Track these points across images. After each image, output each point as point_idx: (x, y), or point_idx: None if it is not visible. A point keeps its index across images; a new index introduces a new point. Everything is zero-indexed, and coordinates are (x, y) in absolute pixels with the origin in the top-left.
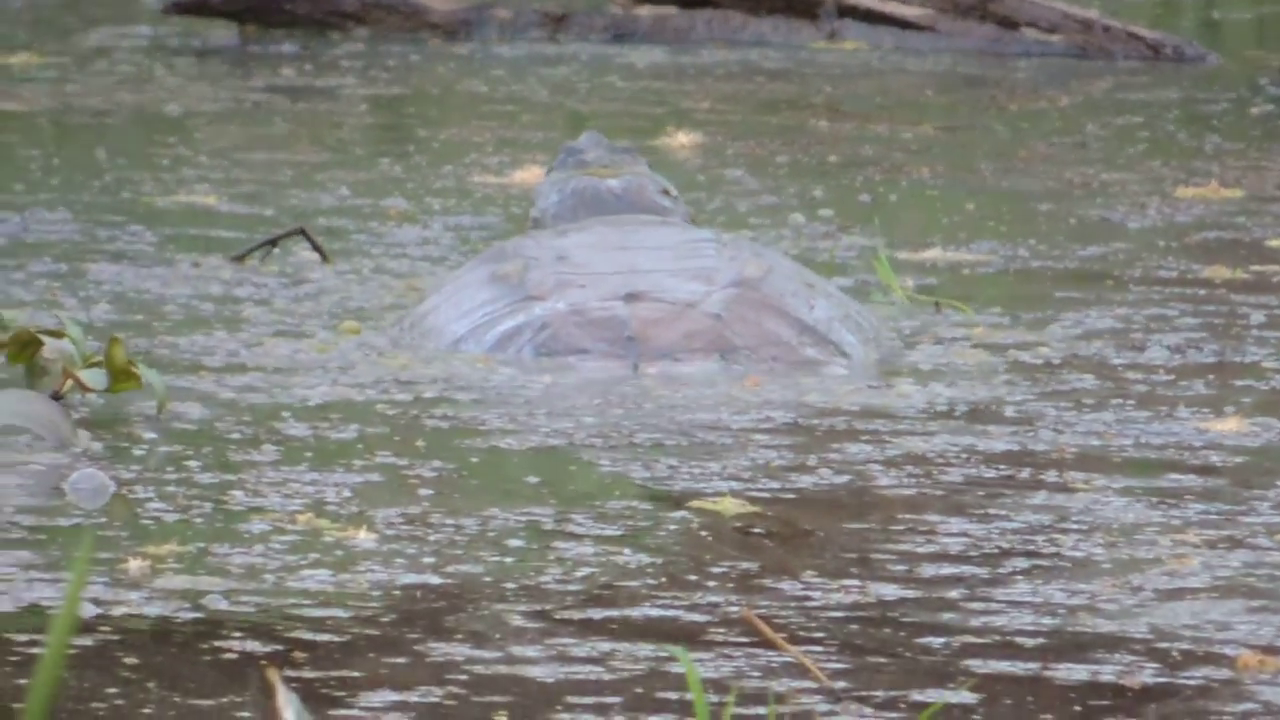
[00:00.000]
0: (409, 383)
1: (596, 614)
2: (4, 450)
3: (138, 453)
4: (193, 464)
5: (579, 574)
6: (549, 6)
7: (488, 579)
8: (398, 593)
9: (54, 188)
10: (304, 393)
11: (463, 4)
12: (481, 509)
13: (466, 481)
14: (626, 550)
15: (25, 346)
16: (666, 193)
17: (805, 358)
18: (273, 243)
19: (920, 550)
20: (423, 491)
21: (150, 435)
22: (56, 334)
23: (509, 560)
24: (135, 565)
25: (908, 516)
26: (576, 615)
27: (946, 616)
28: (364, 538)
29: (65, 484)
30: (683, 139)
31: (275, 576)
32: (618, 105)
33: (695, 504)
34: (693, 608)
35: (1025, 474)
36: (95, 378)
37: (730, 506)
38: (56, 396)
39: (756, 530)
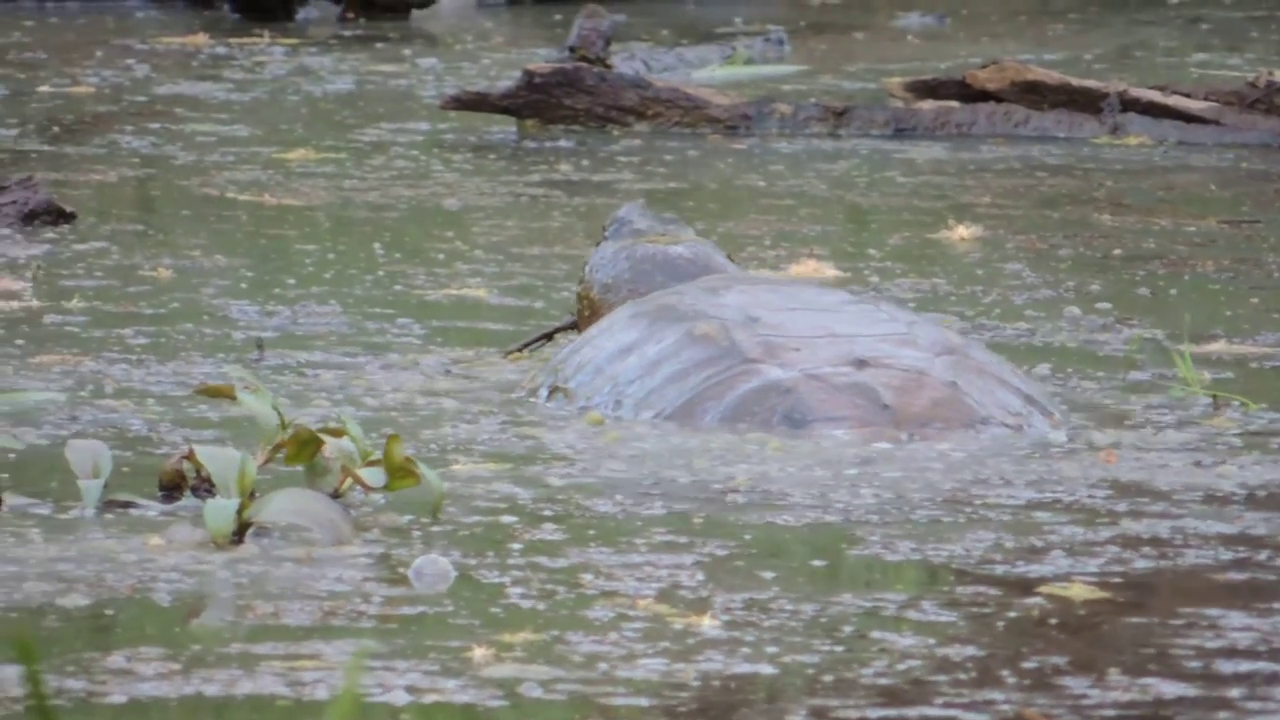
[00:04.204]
0: (668, 460)
1: (876, 714)
2: (307, 545)
3: (421, 541)
4: (515, 548)
5: (900, 668)
6: (830, 101)
7: (809, 671)
8: (716, 684)
9: (326, 281)
10: (589, 473)
11: (743, 99)
12: (829, 594)
13: (804, 564)
14: (953, 644)
15: (304, 446)
16: (730, 258)
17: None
18: (548, 336)
19: (1209, 645)
20: (765, 574)
21: (472, 519)
22: (336, 432)
23: (839, 650)
24: (479, 653)
25: (1188, 610)
26: (856, 715)
27: (1222, 716)
28: (708, 625)
29: (409, 570)
30: (962, 232)
31: (608, 665)
32: (898, 200)
33: (1045, 589)
34: (970, 706)
35: None
36: (374, 476)
37: (1080, 592)
38: (335, 495)
39: (1053, 621)
